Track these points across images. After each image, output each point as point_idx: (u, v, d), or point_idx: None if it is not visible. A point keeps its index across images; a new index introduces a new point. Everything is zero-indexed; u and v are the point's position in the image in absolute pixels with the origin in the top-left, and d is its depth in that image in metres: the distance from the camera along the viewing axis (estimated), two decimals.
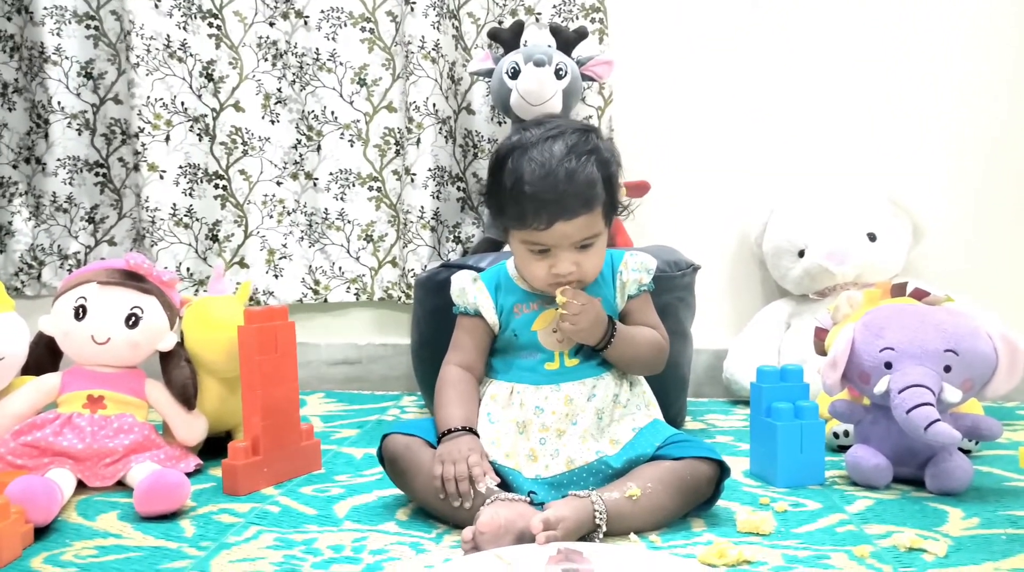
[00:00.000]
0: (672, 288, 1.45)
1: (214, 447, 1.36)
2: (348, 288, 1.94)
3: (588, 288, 1.08)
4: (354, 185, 1.92)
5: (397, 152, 1.88)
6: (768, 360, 1.72)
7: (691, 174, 1.89)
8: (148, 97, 1.85)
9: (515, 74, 1.65)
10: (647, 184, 1.68)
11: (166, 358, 1.30)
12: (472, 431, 1.04)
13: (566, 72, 1.66)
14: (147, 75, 1.84)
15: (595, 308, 1.04)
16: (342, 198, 1.92)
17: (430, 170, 1.85)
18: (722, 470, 1.03)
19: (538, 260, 1.02)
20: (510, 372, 1.09)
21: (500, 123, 1.87)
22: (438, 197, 1.88)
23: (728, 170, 1.89)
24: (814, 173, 1.86)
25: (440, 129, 1.85)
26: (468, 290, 1.10)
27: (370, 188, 1.92)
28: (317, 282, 1.93)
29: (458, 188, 1.90)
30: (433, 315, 1.50)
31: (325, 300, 1.94)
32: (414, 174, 1.85)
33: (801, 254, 1.74)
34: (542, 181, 0.97)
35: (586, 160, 1.00)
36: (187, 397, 1.27)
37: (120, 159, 1.94)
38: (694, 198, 1.89)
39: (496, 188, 1.03)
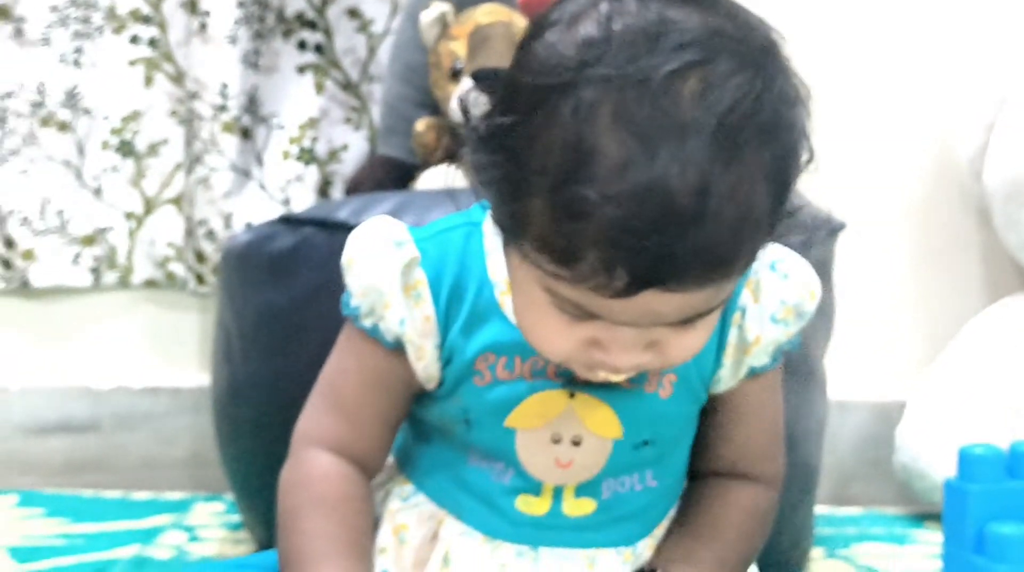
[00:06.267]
0: None
1: None
2: (77, 256, 1.99)
3: None
4: (103, 31, 1.97)
5: None
6: (989, 431, 1.77)
7: (831, 40, 1.95)
8: None
9: None
10: None
11: None
12: None
13: None
14: None
15: None
16: (76, 62, 1.98)
17: (242, 4, 1.90)
18: None
19: (566, 325, 0.98)
20: (442, 487, 1.11)
21: None
22: (255, 63, 1.93)
23: (902, 24, 1.96)
24: None
25: None
26: (388, 287, 1.06)
27: (135, 39, 1.97)
28: (10, 243, 1.98)
29: (303, 44, 1.96)
30: (264, 326, 1.53)
31: (25, 283, 1.99)
32: (205, 12, 1.90)
33: None
34: (646, 206, 0.89)
35: (753, 161, 0.91)
36: None
37: None
38: (830, 87, 1.95)
39: (524, 157, 0.94)
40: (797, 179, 0.96)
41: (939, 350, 1.91)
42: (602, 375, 1.01)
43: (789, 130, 0.93)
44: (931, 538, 1.76)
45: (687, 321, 0.95)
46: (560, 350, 0.98)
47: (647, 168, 0.87)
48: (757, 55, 0.92)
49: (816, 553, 1.69)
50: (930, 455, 1.80)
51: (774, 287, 1.08)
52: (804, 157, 0.96)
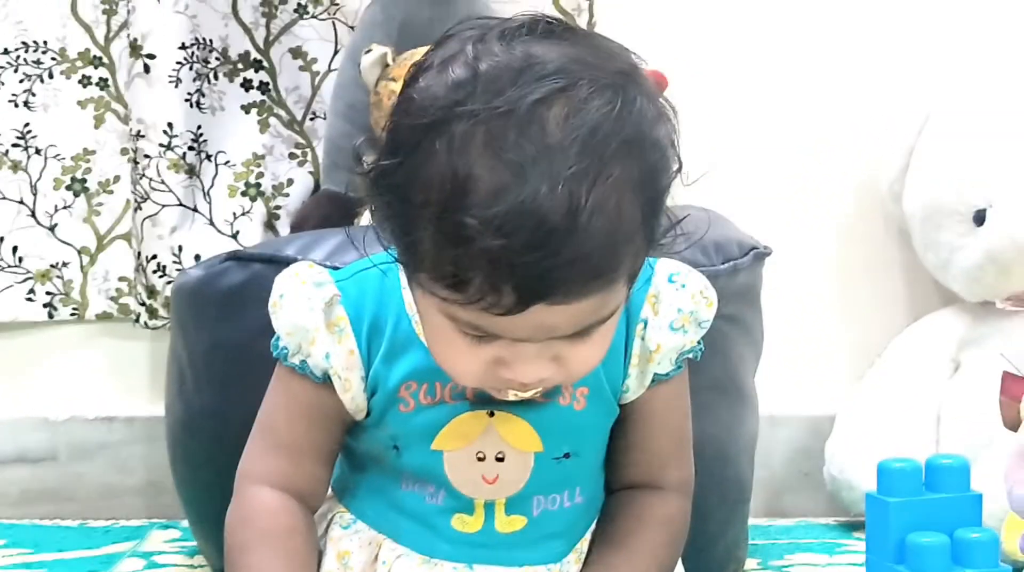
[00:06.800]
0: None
1: None
2: (31, 293, 2.03)
3: None
4: (53, 75, 2.02)
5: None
6: (912, 443, 1.83)
7: (756, 67, 2.01)
8: None
9: None
10: (662, 78, 1.75)
11: None
12: None
13: None
14: None
15: None
16: (27, 104, 2.02)
17: (184, 46, 1.95)
18: None
19: (470, 347, 1.02)
20: (380, 512, 1.16)
21: None
22: (198, 104, 1.98)
23: (826, 53, 2.01)
24: (997, 63, 1.99)
25: None
26: (312, 325, 1.11)
27: (84, 82, 2.02)
28: None
29: (247, 84, 2.01)
30: (216, 360, 1.57)
31: None
32: (148, 55, 1.94)
33: (980, 219, 1.86)
34: (521, 227, 0.93)
35: (619, 175, 0.96)
36: None
37: None
38: (757, 113, 2.01)
39: (408, 193, 0.98)
40: (668, 190, 1.01)
41: (866, 365, 1.97)
42: (511, 395, 1.06)
43: (653, 145, 0.98)
44: (861, 547, 1.79)
45: (582, 333, 1.00)
46: (469, 372, 1.03)
47: (519, 190, 0.92)
48: (617, 78, 0.97)
49: (750, 564, 1.73)
50: (858, 467, 1.85)
51: (671, 298, 1.13)
52: (673, 169, 1.01)
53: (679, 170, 1.01)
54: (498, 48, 0.97)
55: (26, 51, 1.99)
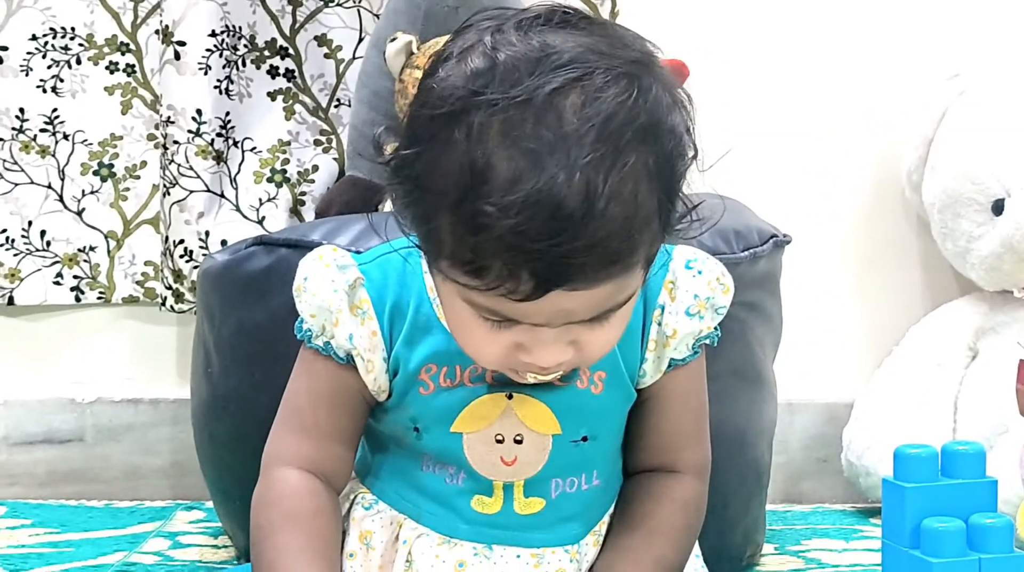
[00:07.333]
0: (734, 284, 1.53)
1: None
2: (59, 277, 2.05)
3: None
4: (81, 61, 2.03)
5: None
6: (929, 430, 1.84)
7: (777, 55, 2.02)
8: None
9: None
10: (683, 67, 1.76)
11: None
12: None
13: None
14: None
15: None
16: (55, 90, 2.03)
17: (214, 34, 1.96)
18: None
19: (490, 332, 1.03)
20: (401, 493, 1.17)
21: None
22: (227, 91, 1.99)
23: (844, 40, 2.02)
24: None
25: None
26: (336, 306, 1.13)
27: (111, 68, 2.03)
28: None
29: (273, 71, 2.02)
30: (241, 343, 1.58)
31: (10, 300, 2.04)
32: (179, 43, 1.95)
33: (998, 209, 1.87)
34: (538, 214, 0.94)
35: (635, 162, 0.97)
36: None
37: None
38: (775, 102, 2.02)
39: (427, 182, 1.00)
40: (684, 176, 1.02)
41: (883, 352, 1.98)
42: (530, 378, 1.07)
43: (669, 132, 1.00)
44: (877, 533, 1.80)
45: (600, 317, 1.02)
46: (490, 356, 1.05)
47: (535, 178, 0.93)
48: (632, 67, 0.99)
49: (767, 549, 1.74)
50: (875, 454, 1.86)
51: (688, 284, 1.15)
52: (689, 155, 1.02)
53: (695, 157, 1.02)
54: (515, 38, 0.99)
55: (54, 37, 2.01)
